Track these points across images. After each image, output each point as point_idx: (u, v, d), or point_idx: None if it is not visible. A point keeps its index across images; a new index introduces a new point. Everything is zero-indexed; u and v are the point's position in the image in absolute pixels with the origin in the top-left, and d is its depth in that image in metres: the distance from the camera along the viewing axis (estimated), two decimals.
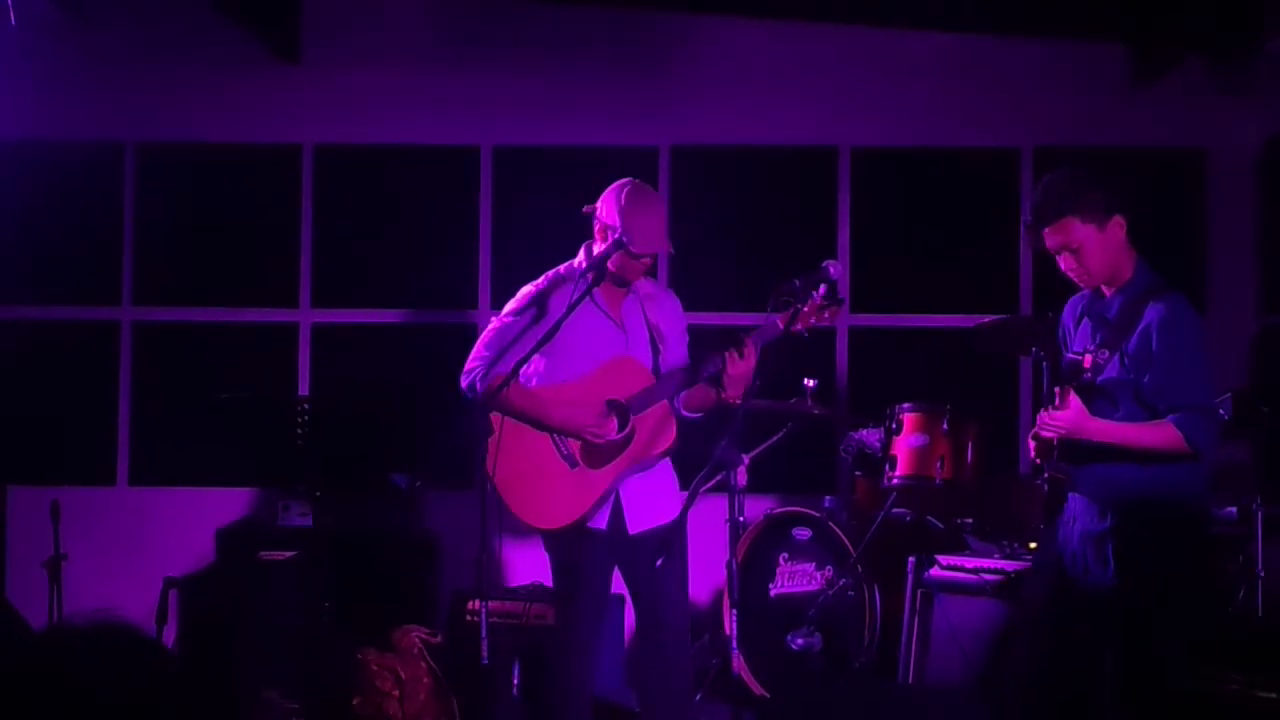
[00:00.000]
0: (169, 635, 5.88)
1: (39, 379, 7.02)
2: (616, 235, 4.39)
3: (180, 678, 1.77)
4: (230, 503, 6.68)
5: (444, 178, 7.12)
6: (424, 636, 5.50)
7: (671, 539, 4.31)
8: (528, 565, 6.00)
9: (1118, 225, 3.95)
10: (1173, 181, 6.95)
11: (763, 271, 4.53)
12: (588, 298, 4.42)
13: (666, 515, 4.51)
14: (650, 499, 4.52)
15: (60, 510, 6.12)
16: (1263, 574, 5.29)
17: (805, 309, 4.26)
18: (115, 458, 7.04)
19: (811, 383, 5.80)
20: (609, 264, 4.44)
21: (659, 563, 4.33)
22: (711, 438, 4.09)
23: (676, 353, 4.62)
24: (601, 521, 4.49)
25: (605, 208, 4.47)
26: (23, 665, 1.73)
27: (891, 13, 6.86)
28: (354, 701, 5.40)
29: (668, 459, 4.59)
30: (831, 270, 4.19)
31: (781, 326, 4.26)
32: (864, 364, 6.99)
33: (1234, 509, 5.45)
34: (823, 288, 4.25)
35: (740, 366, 4.26)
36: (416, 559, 6.23)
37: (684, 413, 4.57)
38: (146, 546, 6.81)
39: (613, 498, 4.49)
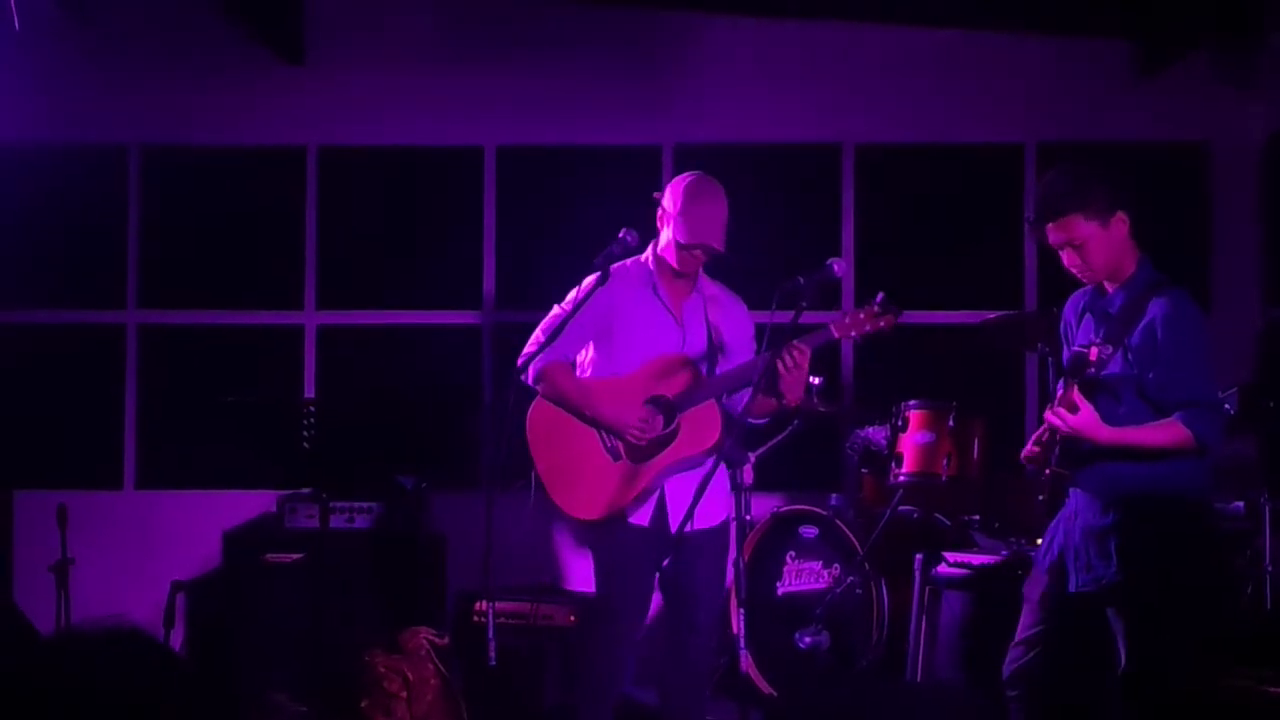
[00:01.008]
0: (176, 638, 5.88)
1: (44, 383, 7.03)
2: (672, 222, 4.42)
3: (187, 681, 1.78)
4: (237, 506, 6.67)
5: (448, 178, 7.13)
6: (431, 638, 5.50)
7: (680, 542, 4.29)
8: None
9: (1121, 222, 3.95)
10: (1176, 175, 6.94)
11: (766, 269, 4.51)
12: (651, 291, 4.49)
13: (714, 517, 4.47)
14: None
15: (67, 514, 6.12)
16: (1270, 569, 5.27)
17: (862, 316, 4.26)
18: (121, 461, 7.05)
19: (817, 380, 5.78)
20: (666, 256, 4.47)
21: (665, 562, 4.33)
22: None
23: (741, 358, 4.56)
24: (644, 518, 4.45)
25: (669, 195, 4.50)
26: (30, 669, 1.74)
27: (893, 8, 6.86)
28: (361, 703, 5.40)
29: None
30: (836, 268, 4.18)
31: (836, 334, 4.27)
32: (869, 361, 6.98)
33: (1241, 504, 5.44)
34: (880, 295, 4.25)
35: (793, 371, 4.21)
36: (423, 560, 6.23)
37: (748, 419, 4.53)
38: (153, 550, 6.82)
39: (657, 495, 4.46)
